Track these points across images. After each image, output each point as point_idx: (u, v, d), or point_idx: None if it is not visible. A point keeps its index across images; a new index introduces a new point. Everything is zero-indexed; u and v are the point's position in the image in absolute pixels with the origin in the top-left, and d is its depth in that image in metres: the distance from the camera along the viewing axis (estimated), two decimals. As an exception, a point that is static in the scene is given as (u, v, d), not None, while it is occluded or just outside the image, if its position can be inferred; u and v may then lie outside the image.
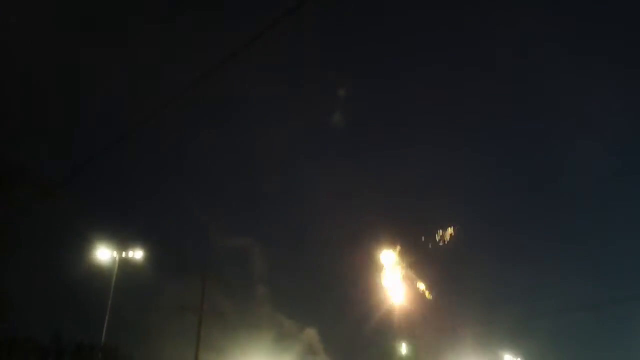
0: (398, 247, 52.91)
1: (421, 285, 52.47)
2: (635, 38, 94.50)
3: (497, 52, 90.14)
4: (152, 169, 64.08)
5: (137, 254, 36.68)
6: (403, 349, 48.39)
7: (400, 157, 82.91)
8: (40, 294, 37.84)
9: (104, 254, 36.29)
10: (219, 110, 73.04)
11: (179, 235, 54.29)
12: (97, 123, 58.85)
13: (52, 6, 48.61)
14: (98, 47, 58.70)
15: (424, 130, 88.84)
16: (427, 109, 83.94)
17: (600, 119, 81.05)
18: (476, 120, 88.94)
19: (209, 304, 35.47)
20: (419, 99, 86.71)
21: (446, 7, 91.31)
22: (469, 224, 58.90)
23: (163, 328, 39.75)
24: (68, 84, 54.02)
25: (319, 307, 52.51)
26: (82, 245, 37.17)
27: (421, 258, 52.82)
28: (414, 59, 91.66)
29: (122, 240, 37.09)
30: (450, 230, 53.23)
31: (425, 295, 52.11)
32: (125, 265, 36.59)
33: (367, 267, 52.21)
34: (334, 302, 51.44)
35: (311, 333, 50.53)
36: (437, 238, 52.98)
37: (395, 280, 51.67)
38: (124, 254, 36.49)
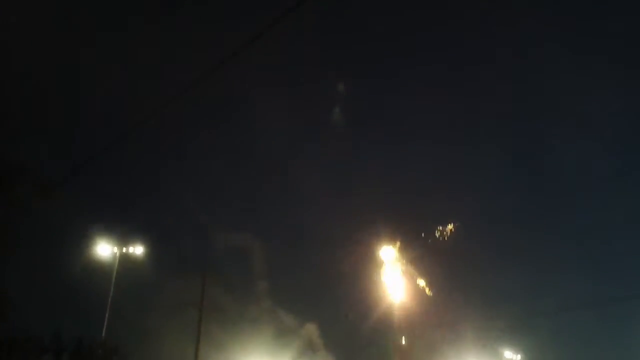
0: (398, 243, 53.07)
1: (421, 282, 52.62)
2: (635, 38, 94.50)
3: (497, 52, 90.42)
4: (151, 168, 63.96)
5: (137, 250, 36.96)
6: (403, 340, 48.51)
7: (400, 154, 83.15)
8: (41, 293, 37.97)
9: (104, 249, 36.55)
10: (219, 110, 73.10)
11: (178, 232, 54.40)
12: (97, 123, 58.95)
13: (52, 6, 48.84)
14: (98, 47, 58.77)
15: (424, 127, 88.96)
16: (427, 108, 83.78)
17: (600, 119, 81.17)
18: (476, 118, 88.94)
19: (209, 299, 35.66)
20: (419, 98, 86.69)
21: (446, 7, 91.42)
22: (469, 221, 58.95)
23: (163, 324, 39.92)
24: (68, 84, 54.12)
25: (318, 303, 52.61)
26: (83, 242, 37.47)
27: (421, 254, 52.99)
28: (414, 59, 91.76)
29: (123, 236, 37.37)
30: (450, 227, 53.42)
31: (425, 292, 52.24)
32: (125, 261, 36.85)
33: (367, 263, 52.38)
34: (334, 298, 51.52)
35: (311, 328, 50.67)
36: (437, 234, 53.18)
37: (395, 276, 51.82)
38: (124, 250, 36.76)
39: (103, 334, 35.73)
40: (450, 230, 53.41)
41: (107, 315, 35.76)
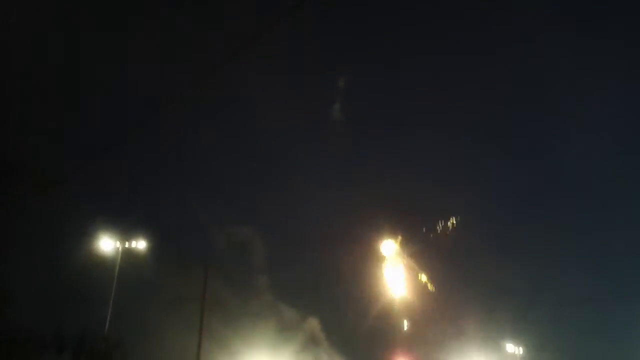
0: (399, 238, 53.30)
1: (423, 277, 52.78)
2: (635, 38, 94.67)
3: (497, 52, 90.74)
4: (153, 164, 64.19)
5: (140, 244, 37.22)
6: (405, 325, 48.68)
7: (401, 149, 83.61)
8: (42, 289, 38.14)
9: (106, 244, 36.82)
10: (219, 109, 73.36)
11: (180, 226, 54.69)
12: (97, 123, 59.19)
13: (52, 6, 49.12)
14: (98, 47, 59.01)
15: (424, 123, 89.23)
16: (427, 108, 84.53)
17: (600, 119, 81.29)
18: (476, 118, 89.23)
19: (211, 293, 35.75)
20: (419, 97, 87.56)
21: (446, 7, 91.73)
22: (469, 215, 59.10)
23: (165, 318, 40.04)
24: (68, 84, 54.35)
25: (320, 297, 52.70)
26: (85, 237, 37.69)
27: (422, 248, 53.18)
28: (414, 58, 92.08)
29: (124, 231, 37.59)
30: (451, 221, 53.62)
31: (427, 286, 52.40)
32: (127, 255, 37.07)
33: (368, 258, 52.58)
34: (336, 292, 51.65)
35: (313, 323, 50.72)
36: (438, 229, 53.38)
37: (396, 270, 51.98)
38: (127, 245, 37.01)
39: (105, 329, 35.86)
40: (452, 224, 53.64)
41: (109, 310, 35.93)
